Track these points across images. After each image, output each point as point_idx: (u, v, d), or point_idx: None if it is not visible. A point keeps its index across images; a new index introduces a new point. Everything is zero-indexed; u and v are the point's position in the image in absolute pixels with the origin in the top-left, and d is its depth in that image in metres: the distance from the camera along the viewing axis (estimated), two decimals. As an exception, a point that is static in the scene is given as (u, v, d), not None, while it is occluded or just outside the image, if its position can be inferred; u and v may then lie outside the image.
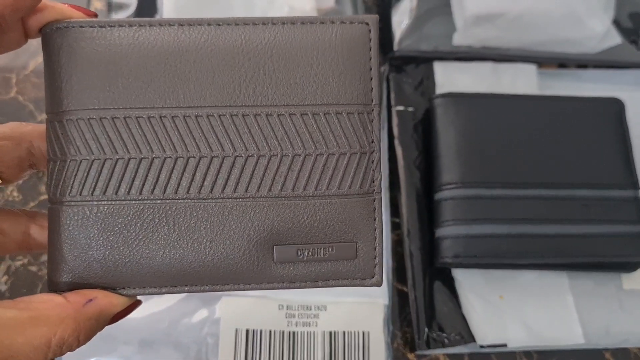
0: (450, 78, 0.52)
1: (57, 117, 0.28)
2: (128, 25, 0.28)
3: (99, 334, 0.26)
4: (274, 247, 0.29)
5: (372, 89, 0.30)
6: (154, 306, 0.44)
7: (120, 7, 0.51)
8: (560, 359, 0.46)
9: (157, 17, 0.49)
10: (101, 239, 0.28)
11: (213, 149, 0.29)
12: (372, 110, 0.30)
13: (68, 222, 0.28)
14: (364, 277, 0.30)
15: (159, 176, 0.29)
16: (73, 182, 0.28)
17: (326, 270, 0.30)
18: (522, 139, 0.47)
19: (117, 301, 0.27)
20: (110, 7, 0.52)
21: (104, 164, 0.28)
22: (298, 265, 0.30)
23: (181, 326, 0.44)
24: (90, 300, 0.26)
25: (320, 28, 0.30)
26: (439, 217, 0.46)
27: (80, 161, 0.28)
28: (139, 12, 0.51)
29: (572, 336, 0.45)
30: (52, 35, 0.28)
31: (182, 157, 0.29)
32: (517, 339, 0.45)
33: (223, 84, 0.29)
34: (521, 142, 0.47)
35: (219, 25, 0.29)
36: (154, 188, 0.28)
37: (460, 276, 0.46)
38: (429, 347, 0.44)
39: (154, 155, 0.29)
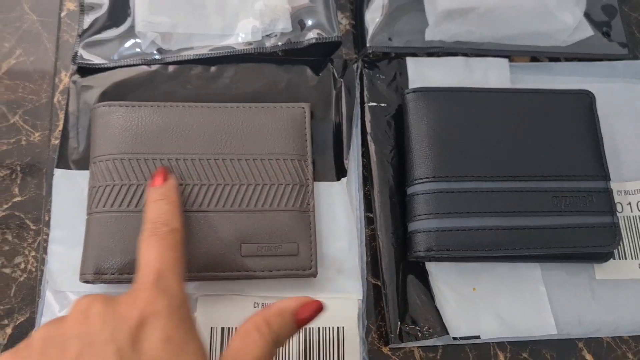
0: (422, 73, 0.53)
1: (92, 160, 0.44)
2: (150, 106, 0.45)
3: None
4: (241, 244, 0.42)
5: (307, 147, 0.46)
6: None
7: (92, 7, 0.51)
8: (534, 349, 0.46)
9: (129, 18, 0.51)
10: (117, 236, 0.41)
11: (202, 179, 0.43)
12: (307, 159, 0.45)
13: (94, 226, 0.42)
14: (304, 269, 0.43)
15: None
16: (97, 199, 0.42)
17: (278, 263, 0.42)
18: (493, 132, 0.48)
19: None
20: (83, 8, 0.52)
21: (120, 188, 0.42)
22: (258, 258, 0.42)
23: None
24: None
25: (274, 109, 0.46)
26: (411, 211, 0.46)
27: (105, 186, 0.43)
28: (110, 12, 0.51)
29: (545, 327, 0.46)
30: (96, 110, 0.45)
31: (181, 184, 0.43)
32: (490, 331, 0.45)
33: (210, 140, 0.44)
34: (493, 135, 0.48)
35: (209, 107, 0.45)
36: None
37: (434, 269, 0.47)
38: (402, 340, 0.44)
39: None
